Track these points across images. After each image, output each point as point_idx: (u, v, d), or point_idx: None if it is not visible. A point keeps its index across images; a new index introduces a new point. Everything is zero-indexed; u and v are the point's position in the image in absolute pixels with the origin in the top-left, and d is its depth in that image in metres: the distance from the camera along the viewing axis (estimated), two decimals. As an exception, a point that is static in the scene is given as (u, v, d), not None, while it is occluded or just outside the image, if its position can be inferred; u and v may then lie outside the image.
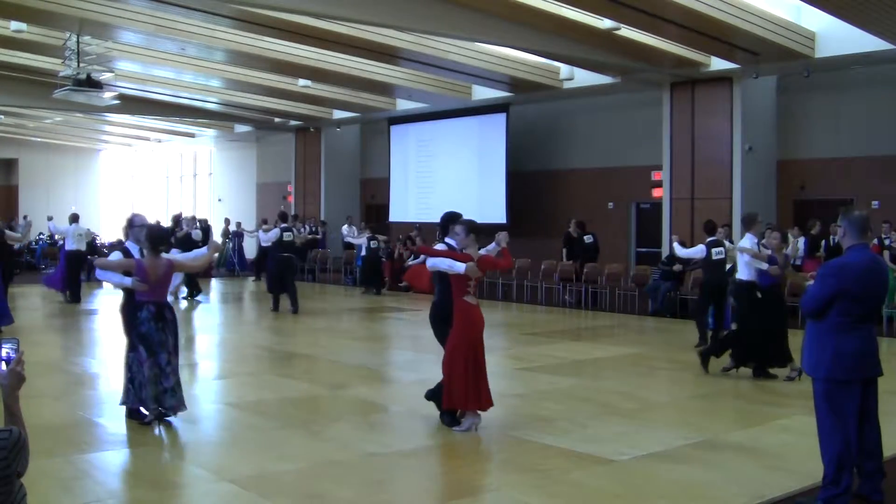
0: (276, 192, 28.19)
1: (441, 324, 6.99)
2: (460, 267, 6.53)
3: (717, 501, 5.32)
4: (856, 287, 4.86)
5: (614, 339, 12.24)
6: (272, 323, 14.42)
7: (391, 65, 17.47)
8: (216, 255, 17.71)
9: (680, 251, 11.96)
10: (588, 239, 17.57)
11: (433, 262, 6.81)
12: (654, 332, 12.67)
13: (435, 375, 9.68)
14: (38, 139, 33.05)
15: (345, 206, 25.33)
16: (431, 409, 7.16)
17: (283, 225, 15.73)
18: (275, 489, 5.41)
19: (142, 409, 6.92)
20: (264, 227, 17.87)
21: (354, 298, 18.66)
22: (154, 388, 6.73)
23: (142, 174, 36.75)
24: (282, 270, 15.24)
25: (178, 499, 5.25)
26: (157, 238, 7.04)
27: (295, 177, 27.18)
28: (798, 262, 14.99)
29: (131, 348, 6.87)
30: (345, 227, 23.40)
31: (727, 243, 11.33)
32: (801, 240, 15.03)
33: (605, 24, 13.13)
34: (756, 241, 9.29)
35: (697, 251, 11.65)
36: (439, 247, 6.98)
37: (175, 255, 7.79)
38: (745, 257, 9.20)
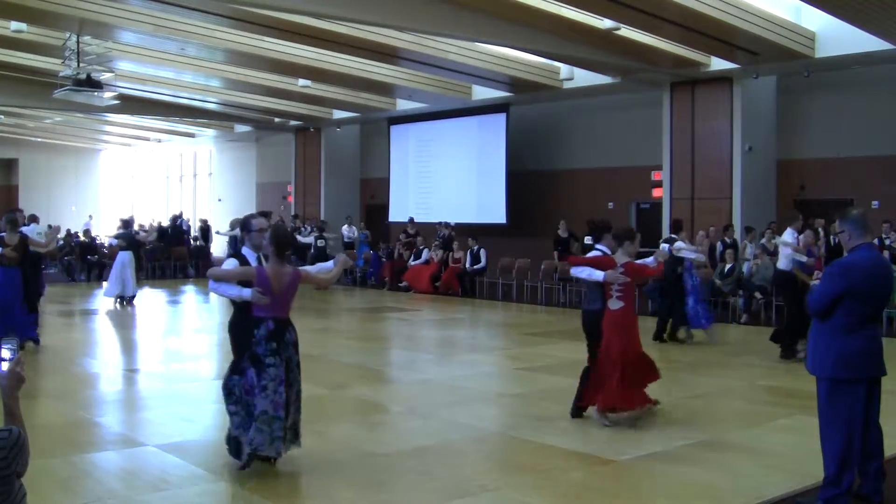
0: (276, 192, 28.19)
1: (592, 329, 7.14)
2: (599, 275, 6.83)
3: (717, 501, 5.32)
4: (863, 286, 4.85)
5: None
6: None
7: (391, 65, 17.47)
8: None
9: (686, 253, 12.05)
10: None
11: (575, 272, 7.17)
12: (653, 332, 12.63)
13: (435, 375, 9.70)
14: (38, 139, 33.05)
15: (345, 206, 25.33)
16: (431, 409, 7.15)
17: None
18: (275, 489, 5.41)
19: (244, 446, 5.62)
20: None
21: (354, 298, 18.66)
22: (262, 426, 5.51)
23: (142, 174, 36.75)
24: None
25: (178, 499, 5.25)
26: (283, 242, 5.82)
27: (295, 177, 27.18)
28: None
29: (237, 371, 5.71)
30: (345, 228, 23.43)
31: (681, 242, 11.67)
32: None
33: (605, 24, 13.13)
34: (797, 235, 10.33)
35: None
36: (592, 254, 7.19)
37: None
38: (787, 250, 10.28)
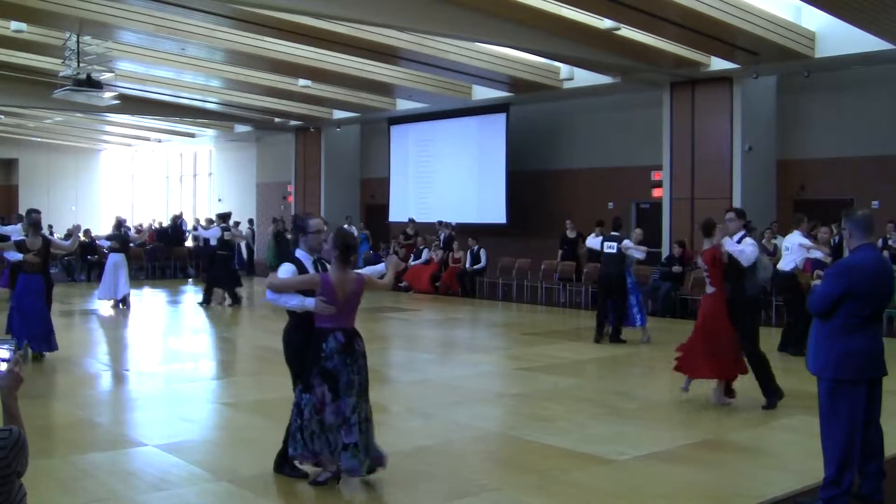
0: (276, 192, 28.19)
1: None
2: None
3: (717, 501, 5.32)
4: (865, 287, 4.85)
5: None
6: (272, 323, 14.40)
7: (391, 65, 17.47)
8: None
9: (633, 250, 12.24)
10: (592, 237, 17.55)
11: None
12: (654, 332, 12.65)
13: (435, 375, 9.70)
14: (38, 139, 33.06)
15: (345, 206, 25.33)
16: (431, 409, 7.15)
17: (223, 224, 16.96)
18: (274, 489, 5.41)
19: (314, 465, 5.48)
20: (202, 225, 18.24)
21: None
22: (332, 442, 5.27)
23: (142, 174, 36.76)
24: (220, 267, 16.61)
25: (177, 499, 5.25)
26: (348, 245, 5.41)
27: (295, 177, 27.17)
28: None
29: (306, 388, 5.35)
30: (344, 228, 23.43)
31: (629, 241, 12.04)
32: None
33: (605, 24, 13.13)
34: (803, 235, 10.58)
35: (594, 243, 12.45)
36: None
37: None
38: (800, 251, 10.43)
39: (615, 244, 11.83)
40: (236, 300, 16.54)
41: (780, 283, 11.01)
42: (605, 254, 11.94)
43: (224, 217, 17.34)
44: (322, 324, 5.28)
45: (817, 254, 10.49)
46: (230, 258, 16.98)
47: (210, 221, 20.67)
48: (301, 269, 5.42)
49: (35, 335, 9.60)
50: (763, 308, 12.19)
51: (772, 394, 7.82)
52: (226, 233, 16.74)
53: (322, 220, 5.75)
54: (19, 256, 9.71)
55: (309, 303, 5.26)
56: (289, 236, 22.38)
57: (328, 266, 5.52)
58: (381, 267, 5.97)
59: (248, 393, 8.54)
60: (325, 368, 5.23)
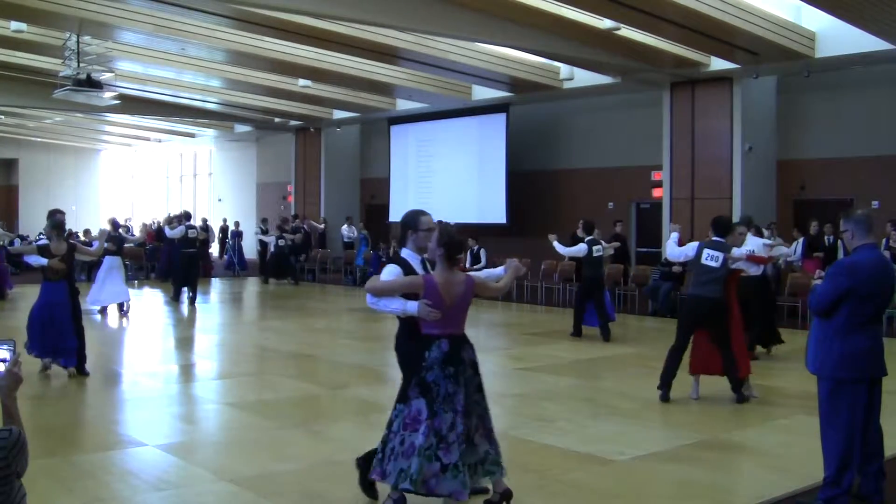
0: (276, 192, 28.20)
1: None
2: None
3: (717, 501, 5.32)
4: (866, 286, 4.84)
5: (614, 339, 12.24)
6: (272, 323, 14.43)
7: (391, 65, 17.47)
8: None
9: (560, 249, 12.45)
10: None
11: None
12: (654, 332, 12.67)
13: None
14: (38, 139, 33.06)
15: (345, 206, 25.34)
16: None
17: (188, 223, 17.38)
18: (274, 489, 5.41)
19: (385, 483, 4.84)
20: (171, 224, 18.33)
21: (354, 298, 18.64)
22: (422, 464, 4.61)
23: (142, 174, 36.77)
24: (186, 265, 16.81)
25: (178, 499, 5.25)
26: (455, 242, 4.90)
27: (295, 177, 27.18)
28: (799, 263, 15.02)
29: (402, 398, 4.85)
30: (344, 228, 23.44)
31: (601, 245, 12.49)
32: (800, 240, 15.06)
33: (605, 24, 13.12)
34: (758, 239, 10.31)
35: (579, 249, 12.38)
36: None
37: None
38: (760, 253, 10.07)
39: (601, 247, 12.43)
40: (177, 297, 16.67)
41: (745, 288, 9.95)
42: (593, 258, 12.29)
43: (185, 216, 17.92)
44: (428, 330, 4.83)
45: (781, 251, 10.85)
46: (195, 256, 17.29)
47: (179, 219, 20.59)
48: (407, 269, 4.95)
49: (63, 348, 8.77)
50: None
51: (665, 385, 8.08)
52: (190, 231, 17.07)
53: (431, 219, 5.19)
54: (43, 262, 8.81)
55: (411, 307, 4.78)
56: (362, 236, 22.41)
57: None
58: (499, 270, 5.42)
59: (248, 393, 8.54)
60: (424, 380, 4.75)
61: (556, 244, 12.28)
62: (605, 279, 12.94)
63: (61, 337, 8.74)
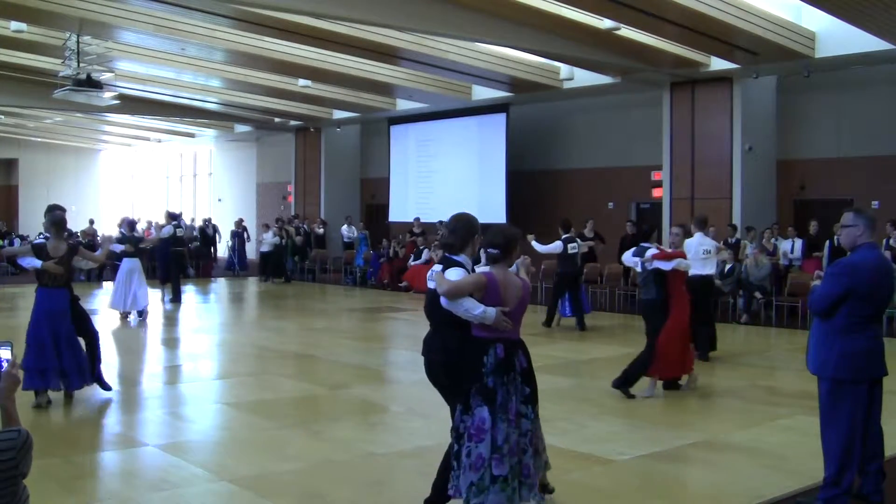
0: (276, 192, 28.20)
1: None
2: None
3: (716, 501, 5.32)
4: (866, 286, 4.83)
5: (614, 339, 12.24)
6: (272, 323, 14.43)
7: (391, 65, 17.47)
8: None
9: (538, 247, 12.68)
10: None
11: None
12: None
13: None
14: (38, 139, 33.07)
15: (345, 206, 25.34)
16: (431, 409, 7.12)
17: (175, 223, 17.49)
18: (274, 489, 5.41)
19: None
20: (161, 224, 18.56)
21: (354, 298, 18.65)
22: (480, 477, 4.41)
23: (142, 174, 36.75)
24: (172, 263, 17.08)
25: (177, 499, 5.25)
26: (513, 238, 4.66)
27: (295, 177, 27.18)
28: (798, 263, 15.01)
29: (467, 409, 4.54)
30: (344, 228, 23.44)
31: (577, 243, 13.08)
32: (800, 241, 15.06)
33: (605, 24, 13.13)
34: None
35: (555, 247, 12.87)
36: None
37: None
38: (714, 253, 10.54)
39: (577, 244, 13.08)
40: (177, 297, 16.84)
41: (693, 286, 9.58)
42: (568, 254, 12.92)
43: (174, 216, 18.03)
44: (480, 333, 4.53)
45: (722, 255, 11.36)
46: (182, 254, 17.68)
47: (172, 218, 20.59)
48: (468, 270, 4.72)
49: (67, 369, 7.62)
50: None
51: (626, 382, 8.23)
52: (178, 230, 17.26)
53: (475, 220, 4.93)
54: (37, 264, 7.55)
55: (490, 313, 4.45)
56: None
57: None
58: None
59: (247, 393, 8.54)
60: (483, 387, 4.47)
61: (534, 243, 12.55)
62: (581, 274, 13.69)
63: (64, 355, 7.60)
